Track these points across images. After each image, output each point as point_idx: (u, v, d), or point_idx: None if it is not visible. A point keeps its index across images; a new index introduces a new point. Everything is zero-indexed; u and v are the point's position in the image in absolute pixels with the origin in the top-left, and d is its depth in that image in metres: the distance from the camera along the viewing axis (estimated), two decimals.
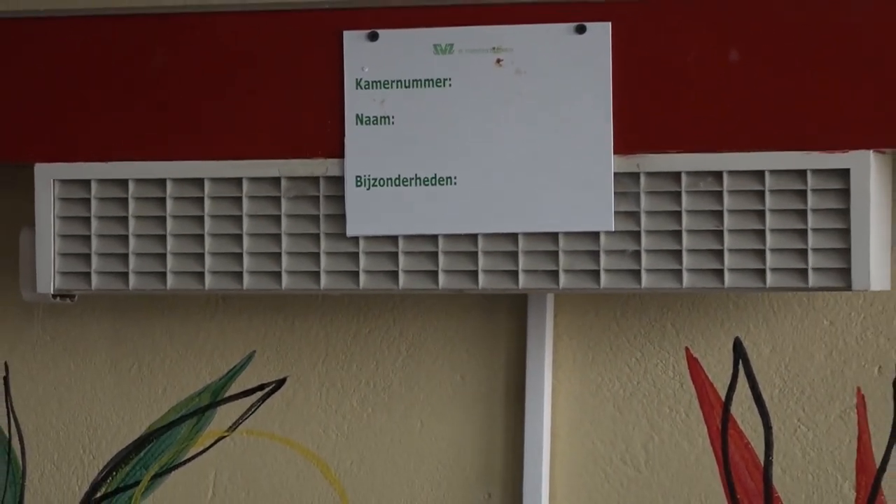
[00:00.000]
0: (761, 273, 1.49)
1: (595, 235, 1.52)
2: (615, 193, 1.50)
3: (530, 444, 1.73)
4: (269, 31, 1.67)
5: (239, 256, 1.63)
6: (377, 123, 1.59)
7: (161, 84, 1.70)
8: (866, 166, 1.49)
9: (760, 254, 1.50)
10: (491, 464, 1.80)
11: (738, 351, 1.73)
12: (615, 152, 1.53)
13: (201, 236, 1.62)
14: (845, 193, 1.48)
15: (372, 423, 1.81)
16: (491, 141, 1.56)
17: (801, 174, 1.48)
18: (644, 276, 1.52)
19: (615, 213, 1.51)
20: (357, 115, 1.57)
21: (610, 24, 1.54)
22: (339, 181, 1.59)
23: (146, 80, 1.70)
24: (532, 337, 1.75)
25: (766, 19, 1.55)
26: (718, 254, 1.51)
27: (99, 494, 1.86)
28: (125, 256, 1.66)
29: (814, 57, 1.54)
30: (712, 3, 1.57)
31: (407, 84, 1.60)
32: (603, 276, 1.52)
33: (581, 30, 1.52)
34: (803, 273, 1.48)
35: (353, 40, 1.57)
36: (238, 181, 1.61)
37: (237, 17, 1.68)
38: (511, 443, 1.79)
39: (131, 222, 1.66)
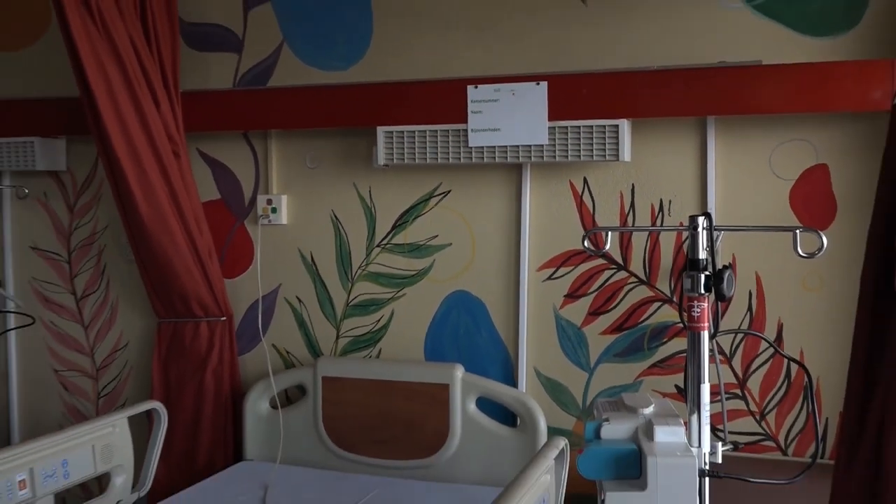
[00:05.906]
0: (592, 155, 3.22)
1: (542, 145, 3.26)
2: (548, 133, 3.24)
3: (523, 210, 3.37)
4: (443, 87, 3.29)
5: (435, 154, 3.35)
6: (478, 113, 3.27)
7: (403, 107, 3.30)
8: (624, 124, 3.18)
9: (592, 149, 3.21)
10: (511, 219, 3.35)
11: (586, 182, 3.31)
12: (548, 120, 3.19)
13: (415, 148, 3.38)
14: (618, 132, 3.18)
15: (474, 205, 3.39)
16: (511, 119, 3.25)
17: (605, 127, 3.18)
18: (557, 156, 3.20)
19: (548, 137, 3.23)
20: (471, 111, 3.27)
21: (546, 82, 3.22)
22: (465, 132, 3.25)
23: (402, 105, 3.31)
24: (524, 178, 3.38)
25: (594, 81, 3.19)
26: (580, 148, 3.23)
27: (399, 223, 3.49)
28: (403, 152, 3.35)
29: (606, 94, 3.16)
30: (578, 77, 3.19)
31: (486, 101, 3.25)
32: (544, 157, 3.24)
33: (538, 84, 3.24)
34: (604, 154, 3.17)
35: (471, 89, 3.28)
36: (434, 131, 3.31)
37: (433, 84, 3.31)
38: (516, 213, 3.35)
39: (405, 142, 3.37)
